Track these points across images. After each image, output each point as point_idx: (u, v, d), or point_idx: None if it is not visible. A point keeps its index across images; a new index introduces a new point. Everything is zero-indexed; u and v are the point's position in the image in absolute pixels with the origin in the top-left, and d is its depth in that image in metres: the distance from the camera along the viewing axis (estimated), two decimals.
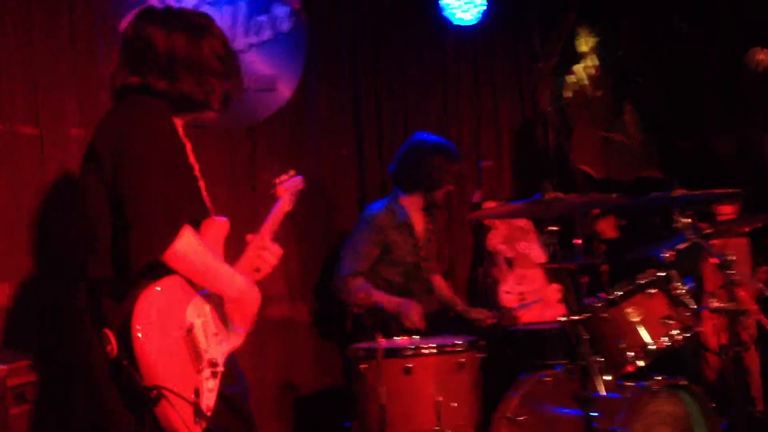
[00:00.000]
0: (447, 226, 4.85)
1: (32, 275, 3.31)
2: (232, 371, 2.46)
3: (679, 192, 3.19)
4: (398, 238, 4.08)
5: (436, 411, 3.16)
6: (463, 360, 3.25)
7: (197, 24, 2.47)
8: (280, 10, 4.23)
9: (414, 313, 3.81)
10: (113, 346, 2.13)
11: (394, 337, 3.54)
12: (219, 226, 2.46)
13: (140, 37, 2.41)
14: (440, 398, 3.18)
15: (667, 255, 3.21)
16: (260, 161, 4.19)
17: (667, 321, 3.15)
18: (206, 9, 3.93)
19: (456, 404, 3.22)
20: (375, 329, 3.14)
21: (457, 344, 3.28)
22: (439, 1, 4.80)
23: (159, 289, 2.19)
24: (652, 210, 4.39)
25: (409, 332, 3.65)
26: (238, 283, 2.40)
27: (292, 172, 2.90)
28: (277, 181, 2.82)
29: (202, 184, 2.49)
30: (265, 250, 2.58)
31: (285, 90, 4.26)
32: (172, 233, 2.20)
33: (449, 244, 4.88)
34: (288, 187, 2.83)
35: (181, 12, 2.56)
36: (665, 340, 3.13)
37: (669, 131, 5.39)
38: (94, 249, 2.29)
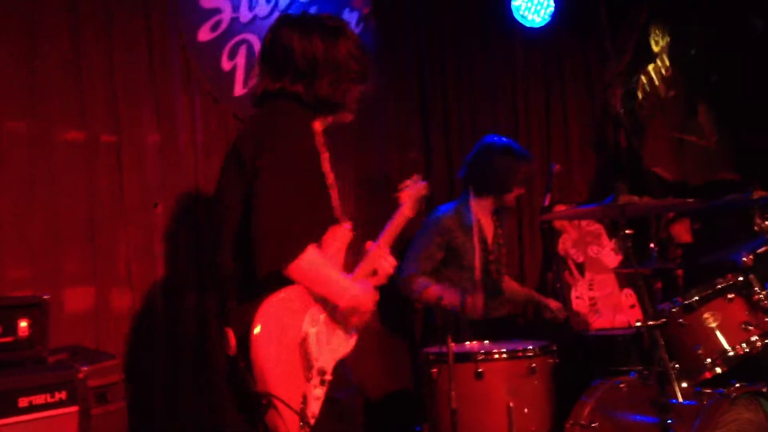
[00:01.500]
0: (517, 230, 4.82)
1: (113, 279, 3.40)
2: (341, 377, 2.48)
3: (759, 194, 3.11)
4: (465, 241, 4.06)
5: (507, 416, 3.14)
6: (535, 365, 3.22)
7: (332, 26, 2.53)
8: (350, 16, 4.26)
9: (471, 304, 3.80)
10: (232, 345, 2.23)
11: (465, 342, 3.53)
12: (343, 232, 2.51)
13: (278, 43, 2.48)
14: (512, 403, 3.16)
15: (747, 259, 3.13)
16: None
17: (746, 327, 3.08)
18: (277, 16, 3.99)
19: (528, 410, 3.19)
20: (445, 333, 3.12)
21: (529, 349, 3.25)
22: (510, 4, 4.78)
23: (281, 297, 2.27)
24: (729, 213, 4.28)
25: (479, 337, 3.62)
26: (352, 292, 2.43)
27: (416, 177, 2.90)
28: (401, 186, 2.83)
29: (334, 192, 2.54)
30: (383, 259, 2.61)
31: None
32: (299, 249, 2.26)
33: (519, 248, 4.85)
34: (412, 193, 2.82)
35: (315, 16, 2.63)
36: (744, 347, 3.06)
37: (746, 131, 5.24)
38: (227, 248, 2.38)
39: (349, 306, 2.43)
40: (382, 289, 4.28)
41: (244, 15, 3.89)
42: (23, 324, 2.66)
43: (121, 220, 3.45)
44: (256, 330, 2.19)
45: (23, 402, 2.48)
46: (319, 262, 2.33)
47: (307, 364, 2.30)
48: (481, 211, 4.14)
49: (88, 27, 3.42)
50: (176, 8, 3.69)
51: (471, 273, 4.08)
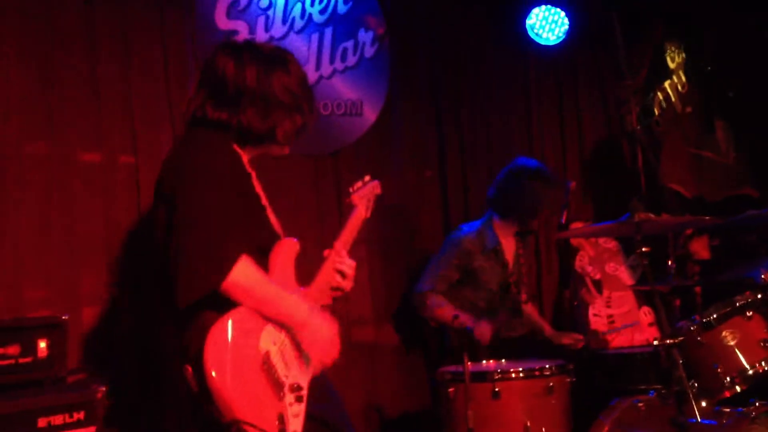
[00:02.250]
0: (533, 248, 4.81)
1: (125, 301, 3.42)
2: (321, 390, 2.44)
3: None
4: (485, 264, 4.05)
5: None
6: (552, 384, 3.21)
7: (271, 58, 2.47)
8: (365, 36, 4.29)
9: (480, 332, 3.78)
10: (193, 380, 2.12)
11: (482, 361, 3.52)
12: (288, 246, 2.44)
13: (214, 68, 2.44)
14: (528, 423, 3.14)
15: (765, 276, 3.10)
16: (345, 185, 4.22)
17: (765, 344, 3.05)
18: (294, 37, 4.04)
19: (545, 429, 3.17)
20: (462, 352, 3.11)
21: (546, 368, 3.23)
22: (525, 23, 4.79)
23: (229, 321, 2.15)
24: (748, 229, 4.25)
25: (496, 356, 3.61)
26: (302, 311, 2.33)
27: (367, 178, 2.79)
28: (352, 189, 2.72)
29: (269, 211, 2.49)
30: (341, 265, 2.54)
31: (370, 114, 4.31)
32: (229, 263, 2.17)
33: (536, 266, 4.83)
34: (364, 193, 2.73)
35: (258, 45, 2.56)
36: (764, 365, 3.03)
37: (764, 147, 5.21)
38: (165, 282, 2.27)
39: (300, 326, 2.32)
40: (400, 307, 4.33)
41: (260, 36, 3.93)
42: (42, 344, 2.68)
43: (139, 242, 3.47)
44: (209, 362, 2.07)
45: (42, 422, 2.50)
46: (254, 276, 2.22)
47: (276, 382, 2.22)
48: (503, 232, 4.13)
49: (106, 49, 3.47)
50: (193, 30, 3.73)
51: (487, 294, 4.06)
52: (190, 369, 2.13)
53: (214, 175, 2.28)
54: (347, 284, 2.57)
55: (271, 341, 2.27)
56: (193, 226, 2.19)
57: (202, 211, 2.21)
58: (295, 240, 2.48)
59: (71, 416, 2.54)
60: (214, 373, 2.07)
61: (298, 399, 2.28)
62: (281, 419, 2.19)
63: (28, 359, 2.64)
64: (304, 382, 2.33)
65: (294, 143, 2.59)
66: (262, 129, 2.43)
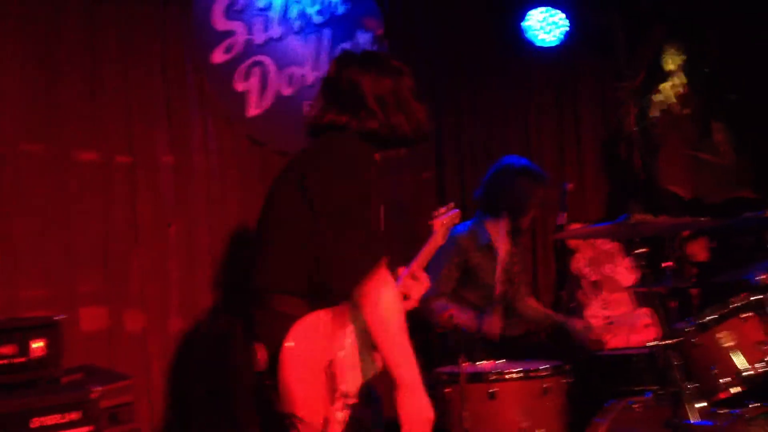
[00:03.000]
0: (530, 249, 4.80)
1: (127, 299, 3.43)
2: (366, 397, 2.47)
3: None
4: (481, 261, 4.05)
5: None
6: (548, 385, 3.20)
7: (396, 67, 2.60)
8: (363, 37, 4.30)
9: (489, 325, 3.78)
10: (262, 361, 2.23)
11: (478, 362, 3.52)
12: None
13: (346, 80, 2.53)
14: (525, 424, 3.13)
15: (762, 278, 3.10)
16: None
17: (762, 346, 3.04)
18: (292, 38, 4.05)
19: (541, 430, 3.16)
20: (458, 353, 3.11)
21: (542, 369, 3.23)
22: (522, 24, 4.79)
23: (313, 319, 2.26)
24: (745, 231, 4.25)
25: (493, 356, 3.61)
26: (416, 374, 2.33)
27: (451, 205, 2.94)
28: (435, 213, 2.86)
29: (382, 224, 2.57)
30: (416, 280, 2.66)
31: None
32: (373, 269, 2.23)
33: (532, 267, 4.83)
34: (445, 221, 2.87)
35: (380, 55, 2.72)
36: (761, 366, 3.02)
37: (762, 149, 5.21)
38: (267, 262, 2.36)
39: (406, 386, 2.32)
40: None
41: (258, 37, 3.94)
42: (37, 345, 2.69)
43: (135, 241, 3.47)
44: (288, 350, 2.19)
45: (35, 423, 2.50)
46: (394, 299, 2.29)
47: (332, 387, 2.29)
48: (496, 231, 4.13)
49: (104, 49, 3.47)
50: (191, 31, 3.74)
51: (488, 292, 4.06)
52: (261, 348, 2.23)
53: (370, 180, 2.37)
54: (411, 304, 2.69)
55: (339, 347, 2.34)
56: (350, 225, 2.26)
57: (358, 216, 2.29)
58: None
59: (64, 417, 2.54)
60: (288, 361, 2.18)
61: (345, 406, 2.33)
62: (326, 421, 2.25)
63: (23, 359, 2.64)
64: (354, 390, 2.37)
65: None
66: (409, 133, 2.58)
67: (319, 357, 2.28)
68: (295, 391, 2.19)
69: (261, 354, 2.25)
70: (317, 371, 2.26)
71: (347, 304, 2.36)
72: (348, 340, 2.39)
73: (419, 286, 2.66)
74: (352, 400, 2.34)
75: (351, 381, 2.37)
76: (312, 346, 2.25)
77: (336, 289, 2.27)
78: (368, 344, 2.44)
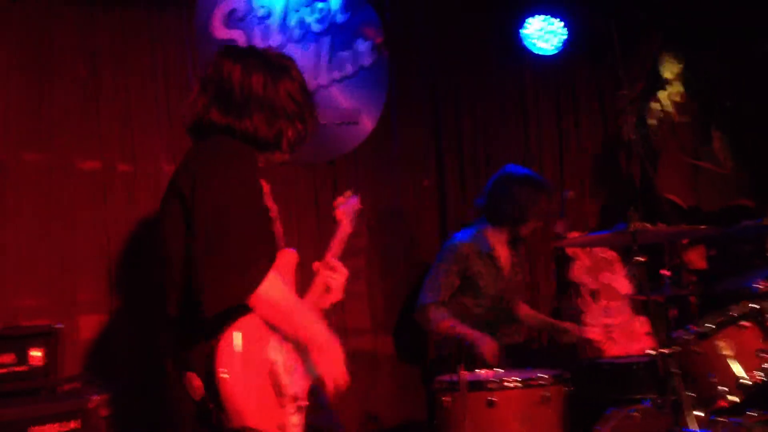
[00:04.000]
0: (529, 257, 4.81)
1: (122, 310, 3.43)
2: (316, 402, 2.46)
3: None
4: (482, 269, 4.05)
5: None
6: (548, 394, 3.19)
7: (276, 65, 2.48)
8: (363, 45, 4.31)
9: (488, 350, 3.76)
10: (198, 388, 2.16)
11: (478, 370, 3.51)
12: (288, 257, 2.46)
13: (219, 73, 2.43)
14: None
15: (761, 286, 3.11)
16: (342, 194, 4.23)
17: (761, 354, 3.05)
18: (291, 46, 4.05)
19: None
20: (458, 362, 3.11)
21: (542, 377, 3.23)
22: (520, 32, 4.81)
23: (240, 330, 2.18)
24: (744, 239, 4.25)
25: (492, 365, 3.61)
26: (323, 334, 2.34)
27: (348, 194, 2.87)
28: (335, 204, 2.81)
29: (278, 225, 2.51)
30: (333, 271, 2.61)
31: (368, 123, 4.32)
32: (257, 279, 2.17)
33: (532, 275, 4.83)
34: (346, 210, 2.81)
35: (262, 52, 2.57)
36: (760, 375, 3.02)
37: (762, 158, 5.22)
38: (173, 288, 2.29)
39: (317, 346, 2.33)
40: (398, 316, 4.33)
41: (258, 45, 3.93)
42: (37, 353, 2.69)
43: (137, 250, 3.47)
44: (222, 368, 2.12)
45: (34, 431, 2.50)
46: (284, 292, 2.25)
47: (279, 392, 2.26)
48: (497, 240, 4.13)
49: (105, 58, 3.49)
50: (191, 39, 3.75)
51: (487, 300, 4.06)
52: (193, 377, 2.17)
53: (247, 188, 2.28)
54: (335, 296, 2.62)
55: (277, 351, 2.30)
56: (224, 236, 2.17)
57: (234, 221, 2.19)
58: (294, 251, 2.49)
59: (63, 425, 2.54)
60: (226, 380, 2.12)
61: (298, 409, 2.31)
62: (282, 428, 2.23)
63: (22, 368, 2.64)
64: (304, 394, 2.36)
65: (294, 152, 2.60)
66: (268, 135, 2.43)
67: (258, 365, 2.22)
68: (242, 404, 2.13)
69: (196, 382, 2.16)
70: (259, 379, 2.21)
71: None
72: (284, 343, 2.33)
73: (338, 275, 2.61)
74: (303, 402, 2.31)
75: (297, 382, 2.34)
76: (246, 357, 2.17)
77: (218, 310, 2.14)
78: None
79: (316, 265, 2.63)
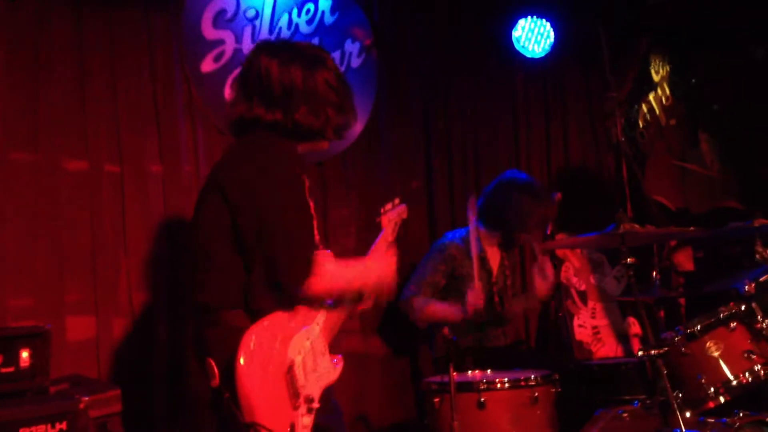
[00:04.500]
0: (519, 259, 4.82)
1: (110, 310, 3.40)
2: (328, 404, 2.48)
3: (761, 221, 3.12)
4: (471, 271, 4.05)
5: None
6: (537, 394, 3.21)
7: (311, 56, 2.54)
8: (352, 47, 4.30)
9: (473, 296, 3.77)
10: (216, 376, 2.19)
11: (467, 371, 3.52)
12: (325, 259, 2.49)
13: (256, 70, 2.48)
14: None
15: (749, 287, 3.12)
16: (331, 196, 4.24)
17: (749, 355, 3.07)
18: None
19: None
20: (447, 362, 3.11)
21: (531, 378, 3.24)
22: (510, 34, 4.82)
23: (264, 325, 2.24)
24: (732, 241, 4.28)
25: (482, 366, 3.61)
26: (373, 271, 2.57)
27: (396, 201, 2.90)
28: (383, 210, 2.82)
29: (315, 220, 2.54)
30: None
31: (356, 124, 4.31)
32: (310, 268, 2.30)
33: (521, 276, 4.84)
34: (392, 217, 2.83)
35: (296, 45, 2.65)
36: (747, 376, 3.04)
37: (749, 160, 5.26)
38: (206, 277, 2.37)
39: (377, 283, 2.55)
40: (387, 317, 4.33)
41: (247, 46, 3.93)
42: (25, 354, 2.66)
43: (124, 250, 3.46)
44: (241, 360, 2.15)
45: None
46: (331, 266, 2.41)
47: (294, 392, 2.27)
48: (487, 242, 4.13)
49: (93, 58, 3.46)
50: (180, 39, 3.73)
51: None
52: (213, 363, 2.20)
53: (293, 177, 2.37)
54: (367, 304, 2.69)
55: (297, 351, 2.33)
56: (286, 229, 2.31)
57: (291, 216, 2.33)
58: (330, 252, 2.53)
59: (53, 427, 2.52)
60: (245, 373, 2.15)
61: (309, 411, 2.32)
62: (292, 427, 2.24)
63: (10, 369, 2.62)
64: (317, 394, 2.37)
65: (342, 138, 2.65)
66: (316, 125, 2.50)
67: (277, 362, 2.25)
68: (256, 399, 2.15)
69: (214, 368, 2.21)
70: (277, 376, 2.24)
71: (301, 307, 2.37)
72: (306, 342, 2.37)
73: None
74: (315, 405, 2.32)
75: (312, 385, 2.35)
76: (267, 352, 2.22)
77: (289, 294, 2.31)
78: (325, 347, 2.46)
79: None
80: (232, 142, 2.52)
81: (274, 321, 2.28)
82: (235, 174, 2.38)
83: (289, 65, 2.47)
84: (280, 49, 2.55)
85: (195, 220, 2.48)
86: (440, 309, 3.87)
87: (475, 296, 3.77)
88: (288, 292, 2.30)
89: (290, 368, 2.28)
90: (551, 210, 4.10)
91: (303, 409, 2.29)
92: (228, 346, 2.19)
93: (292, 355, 2.30)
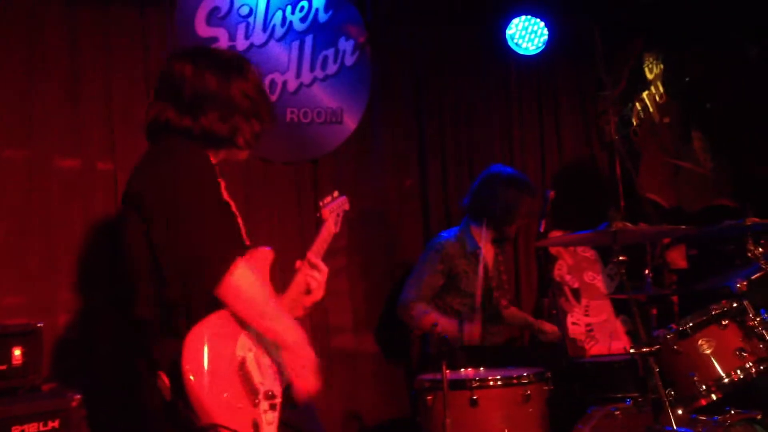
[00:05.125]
0: (512, 256, 4.82)
1: (102, 308, 3.40)
2: (293, 399, 2.42)
3: (753, 220, 3.13)
4: (467, 268, 4.06)
5: None
6: (530, 392, 3.21)
7: (229, 64, 2.49)
8: (346, 44, 4.30)
9: (474, 328, 3.79)
10: (168, 388, 2.15)
11: (460, 369, 3.52)
12: (263, 255, 2.46)
13: (172, 74, 2.44)
14: (506, 430, 3.14)
15: (740, 285, 3.13)
16: (324, 193, 4.22)
17: (740, 353, 3.08)
18: (274, 45, 4.05)
19: None
20: (441, 360, 3.11)
21: (524, 376, 3.24)
22: (504, 32, 4.82)
23: (205, 328, 2.17)
24: (725, 239, 4.29)
25: (474, 364, 3.62)
26: (297, 335, 2.34)
27: (335, 193, 2.87)
28: (321, 203, 2.79)
29: (240, 220, 2.51)
30: (313, 270, 2.59)
31: (350, 122, 4.32)
32: (223, 268, 2.19)
33: (514, 274, 4.85)
34: (333, 208, 2.80)
35: (215, 52, 2.61)
36: (739, 373, 3.06)
37: (741, 158, 5.27)
38: (137, 290, 2.30)
39: (290, 347, 2.34)
40: (380, 316, 4.33)
41: (241, 43, 3.93)
42: (17, 352, 2.66)
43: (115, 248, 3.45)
44: (186, 365, 2.10)
45: (16, 431, 2.48)
46: (254, 282, 2.25)
47: (251, 388, 2.23)
48: (481, 238, 4.14)
49: (86, 55, 3.46)
50: (174, 37, 3.73)
51: (471, 299, 4.07)
52: (164, 376, 2.15)
53: (202, 184, 2.30)
54: (316, 295, 2.60)
55: (247, 348, 2.28)
56: (185, 231, 2.21)
57: (193, 215, 2.23)
58: (269, 249, 2.49)
59: (45, 424, 2.52)
60: (192, 378, 2.09)
61: (272, 407, 2.28)
62: (255, 426, 2.20)
63: (2, 367, 2.62)
64: (278, 390, 2.33)
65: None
66: (224, 132, 2.44)
67: (227, 362, 2.19)
68: (209, 403, 2.10)
69: (166, 381, 2.16)
70: (229, 376, 2.18)
71: None
72: (254, 340, 2.31)
73: (319, 274, 2.59)
74: (277, 400, 2.29)
75: (271, 380, 2.32)
76: (213, 353, 2.15)
77: (198, 298, 2.20)
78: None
79: (298, 263, 2.61)
80: (147, 148, 2.46)
81: (215, 322, 2.20)
82: (144, 182, 2.32)
83: (204, 71, 2.42)
84: (198, 55, 2.50)
85: (119, 230, 2.40)
86: (440, 323, 3.87)
87: (471, 329, 3.81)
88: (203, 290, 2.20)
89: (242, 365, 2.23)
90: (537, 202, 4.12)
91: (264, 405, 2.25)
92: (173, 356, 2.12)
93: (242, 353, 2.25)
